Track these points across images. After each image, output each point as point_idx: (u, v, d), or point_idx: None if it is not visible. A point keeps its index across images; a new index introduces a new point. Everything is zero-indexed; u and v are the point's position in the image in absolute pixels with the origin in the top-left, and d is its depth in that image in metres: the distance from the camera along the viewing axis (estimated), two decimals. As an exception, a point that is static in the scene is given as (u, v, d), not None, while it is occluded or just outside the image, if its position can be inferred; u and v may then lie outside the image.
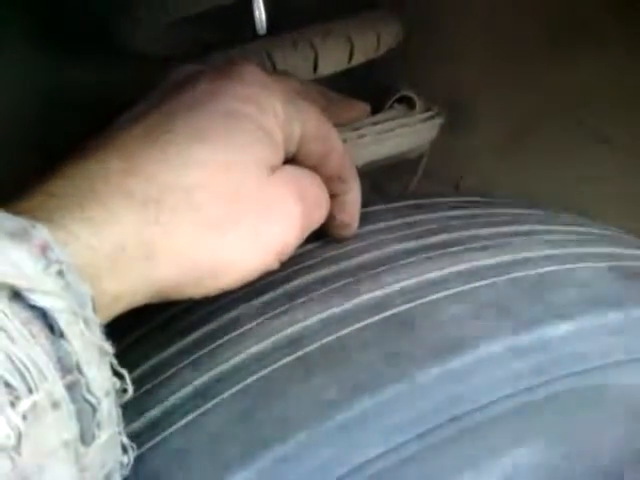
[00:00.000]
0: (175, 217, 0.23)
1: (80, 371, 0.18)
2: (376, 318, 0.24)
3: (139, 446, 0.23)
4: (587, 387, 0.23)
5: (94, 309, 0.20)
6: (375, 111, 0.39)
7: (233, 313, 0.27)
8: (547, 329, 0.24)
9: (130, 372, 0.26)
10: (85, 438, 0.18)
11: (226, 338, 0.26)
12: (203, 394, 0.23)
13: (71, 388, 0.18)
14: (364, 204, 0.35)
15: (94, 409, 0.18)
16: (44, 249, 0.18)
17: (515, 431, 0.21)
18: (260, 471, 0.20)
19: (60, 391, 0.17)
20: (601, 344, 0.24)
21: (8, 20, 0.38)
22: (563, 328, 0.24)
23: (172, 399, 0.24)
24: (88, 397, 0.18)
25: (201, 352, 0.25)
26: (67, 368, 0.18)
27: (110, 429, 0.19)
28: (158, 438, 0.23)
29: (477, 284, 0.27)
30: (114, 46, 0.39)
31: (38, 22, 0.41)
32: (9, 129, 0.40)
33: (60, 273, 0.18)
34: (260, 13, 0.39)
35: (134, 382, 0.26)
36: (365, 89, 0.41)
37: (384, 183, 0.61)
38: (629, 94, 0.52)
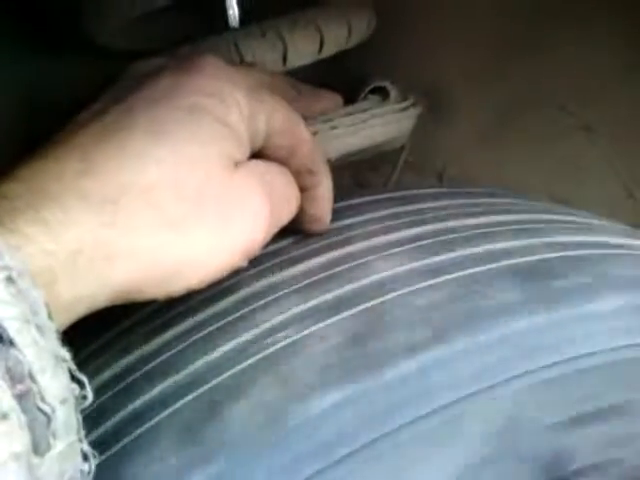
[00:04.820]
0: (133, 217, 0.22)
1: (33, 380, 0.18)
2: (343, 315, 0.24)
3: (106, 452, 0.23)
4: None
5: (49, 315, 0.19)
6: (349, 102, 0.39)
7: (201, 315, 0.26)
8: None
9: (95, 378, 0.26)
10: (39, 448, 0.17)
11: (193, 339, 0.25)
12: (167, 400, 0.23)
13: (22, 398, 0.17)
14: (342, 197, 0.34)
15: (49, 418, 0.18)
16: (-8, 255, 0.18)
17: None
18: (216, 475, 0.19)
19: (9, 402, 0.17)
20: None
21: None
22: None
23: (138, 403, 0.24)
24: (42, 406, 0.18)
25: (167, 355, 0.25)
26: (18, 377, 0.17)
27: (68, 438, 0.19)
28: (126, 441, 0.23)
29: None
30: (86, 42, 0.38)
31: (11, 23, 0.40)
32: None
33: (9, 279, 0.18)
34: (233, 8, 0.38)
35: (100, 388, 0.26)
36: (339, 81, 0.40)
37: (366, 176, 0.60)
38: (611, 81, 0.51)
